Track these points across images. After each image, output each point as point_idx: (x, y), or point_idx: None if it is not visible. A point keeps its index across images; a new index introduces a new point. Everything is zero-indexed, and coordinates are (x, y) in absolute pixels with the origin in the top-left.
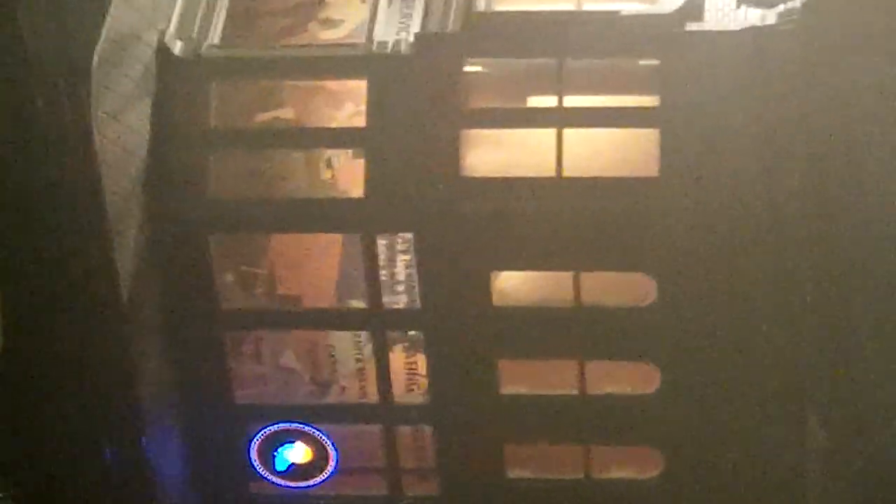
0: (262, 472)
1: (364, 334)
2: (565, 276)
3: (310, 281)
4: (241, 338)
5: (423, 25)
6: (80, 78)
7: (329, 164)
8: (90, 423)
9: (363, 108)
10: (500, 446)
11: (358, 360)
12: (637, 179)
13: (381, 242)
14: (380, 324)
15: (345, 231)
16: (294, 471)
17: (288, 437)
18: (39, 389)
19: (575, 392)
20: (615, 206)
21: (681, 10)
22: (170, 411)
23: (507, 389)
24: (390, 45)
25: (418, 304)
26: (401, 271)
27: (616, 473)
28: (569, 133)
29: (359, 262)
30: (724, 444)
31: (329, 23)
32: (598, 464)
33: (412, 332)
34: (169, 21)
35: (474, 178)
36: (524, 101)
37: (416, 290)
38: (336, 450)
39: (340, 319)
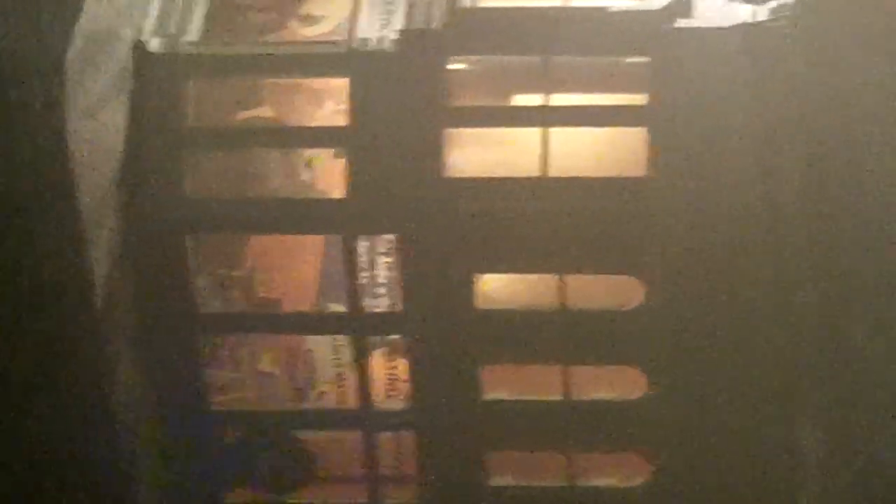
0: (239, 480)
1: (344, 338)
2: (550, 279)
3: (290, 283)
4: (219, 342)
5: (407, 22)
6: (54, 75)
7: (309, 164)
8: (64, 427)
9: (344, 106)
10: (483, 453)
11: (337, 365)
12: (625, 179)
13: (363, 244)
14: (360, 328)
15: (325, 232)
16: (272, 478)
17: (266, 444)
18: (11, 392)
19: (560, 397)
20: (602, 207)
21: (670, 6)
22: (145, 415)
23: (491, 395)
24: (372, 43)
25: (400, 307)
26: (382, 273)
27: (601, 481)
28: (555, 132)
29: (340, 264)
30: (714, 449)
31: (310, 19)
32: (583, 471)
33: (393, 336)
34: (146, 17)
35: (458, 179)
36: (510, 99)
37: (398, 293)
38: (315, 457)
39: (320, 323)
